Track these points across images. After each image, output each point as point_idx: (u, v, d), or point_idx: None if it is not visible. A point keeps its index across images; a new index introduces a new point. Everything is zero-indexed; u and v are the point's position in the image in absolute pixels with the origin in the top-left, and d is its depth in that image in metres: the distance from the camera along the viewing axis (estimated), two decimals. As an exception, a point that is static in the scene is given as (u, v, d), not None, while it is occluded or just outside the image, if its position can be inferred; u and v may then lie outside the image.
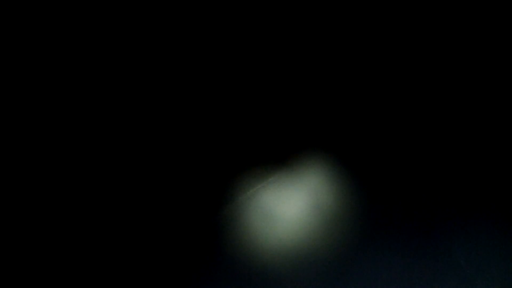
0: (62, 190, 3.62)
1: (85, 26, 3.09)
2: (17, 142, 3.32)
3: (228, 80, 3.69)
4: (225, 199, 4.20)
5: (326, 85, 3.76)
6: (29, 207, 3.44)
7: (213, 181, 4.78)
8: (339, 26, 3.64)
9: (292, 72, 3.78)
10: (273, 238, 3.34)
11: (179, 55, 3.44)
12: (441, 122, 3.42)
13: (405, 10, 3.55)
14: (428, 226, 3.38)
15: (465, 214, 2.82)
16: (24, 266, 2.86)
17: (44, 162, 3.42)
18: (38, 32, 3.08)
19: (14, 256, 2.98)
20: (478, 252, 2.36)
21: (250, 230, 3.52)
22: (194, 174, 4.82)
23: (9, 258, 2.94)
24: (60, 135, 3.45)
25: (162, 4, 3.16)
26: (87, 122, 3.43)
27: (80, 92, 3.24)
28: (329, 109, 4.05)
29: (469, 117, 3.32)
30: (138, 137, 3.80)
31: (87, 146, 3.49)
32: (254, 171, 4.88)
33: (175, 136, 4.09)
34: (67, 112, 3.32)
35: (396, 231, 3.42)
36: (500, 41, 3.36)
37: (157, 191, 4.37)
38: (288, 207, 4.18)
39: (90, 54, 3.17)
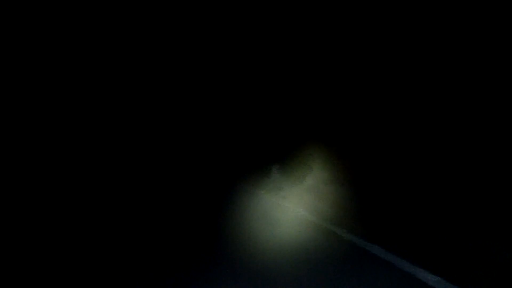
0: (62, 186, 3.61)
1: (86, 27, 3.10)
2: (17, 142, 3.33)
3: (228, 85, 3.71)
4: (225, 199, 4.22)
5: (327, 89, 3.79)
6: (28, 205, 3.45)
7: (214, 181, 4.78)
8: (336, 31, 3.67)
9: (293, 76, 3.80)
10: (273, 237, 3.37)
11: (186, 60, 3.46)
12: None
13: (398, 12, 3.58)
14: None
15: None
16: (23, 265, 2.88)
17: (44, 162, 3.43)
18: (38, 32, 3.09)
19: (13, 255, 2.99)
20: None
21: (250, 230, 3.55)
22: (195, 174, 4.81)
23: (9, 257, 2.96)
24: (61, 136, 3.46)
25: (167, 6, 3.17)
26: (90, 123, 3.44)
27: (84, 93, 3.26)
28: (328, 111, 4.06)
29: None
30: (139, 138, 3.81)
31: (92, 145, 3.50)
32: (254, 171, 4.89)
33: (177, 137, 4.08)
34: (68, 112, 3.33)
35: (392, 230, 3.45)
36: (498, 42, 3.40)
37: (157, 191, 4.37)
38: (288, 207, 4.21)
39: (92, 55, 3.18)
